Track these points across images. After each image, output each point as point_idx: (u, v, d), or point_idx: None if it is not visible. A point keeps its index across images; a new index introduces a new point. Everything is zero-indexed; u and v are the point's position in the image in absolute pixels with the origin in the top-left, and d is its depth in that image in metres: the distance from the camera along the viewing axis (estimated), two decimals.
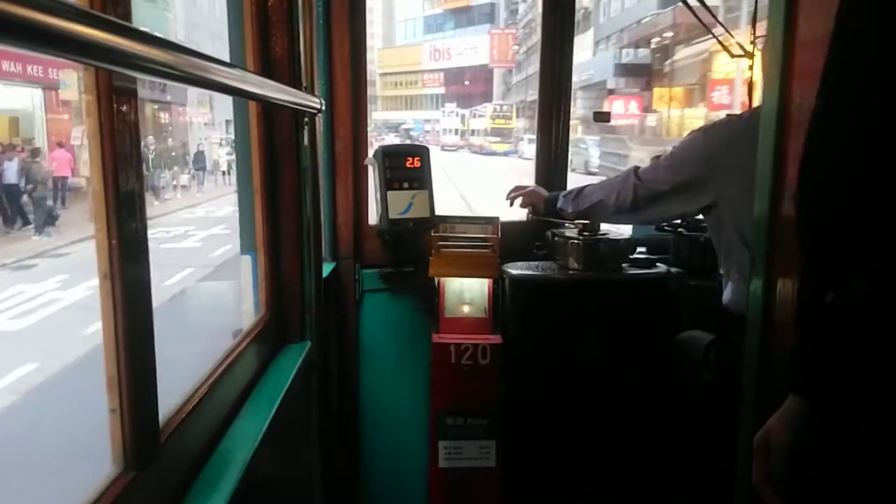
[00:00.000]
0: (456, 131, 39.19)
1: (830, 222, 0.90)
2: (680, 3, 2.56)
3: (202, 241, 10.84)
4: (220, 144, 19.76)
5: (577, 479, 2.08)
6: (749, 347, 1.20)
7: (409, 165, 2.03)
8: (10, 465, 3.60)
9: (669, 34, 21.19)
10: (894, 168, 0.84)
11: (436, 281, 2.07)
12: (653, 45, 24.96)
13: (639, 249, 2.20)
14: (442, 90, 51.99)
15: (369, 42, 2.30)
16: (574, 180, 2.28)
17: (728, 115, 1.93)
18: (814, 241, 0.92)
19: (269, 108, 1.50)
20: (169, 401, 0.98)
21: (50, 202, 11.43)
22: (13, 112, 13.52)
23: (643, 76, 26.01)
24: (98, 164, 0.77)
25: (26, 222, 11.05)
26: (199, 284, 8.24)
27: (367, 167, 2.08)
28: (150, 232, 0.87)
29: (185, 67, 0.75)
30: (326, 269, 1.92)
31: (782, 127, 1.11)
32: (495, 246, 2.04)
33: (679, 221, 2.11)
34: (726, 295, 1.72)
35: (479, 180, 18.42)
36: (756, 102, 2.09)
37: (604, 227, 2.10)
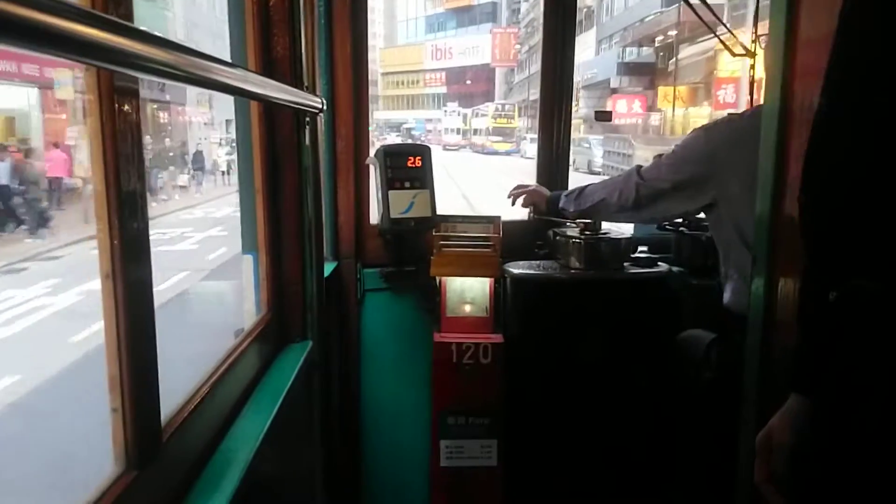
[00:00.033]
0: (458, 131, 39.14)
1: (834, 219, 0.89)
2: (682, 2, 2.55)
3: (199, 244, 10.62)
4: (220, 144, 19.71)
5: (579, 478, 2.08)
6: (750, 346, 1.20)
7: (410, 165, 2.03)
8: None
9: (673, 32, 21.11)
10: None
11: (437, 280, 2.07)
12: (657, 44, 24.89)
13: (640, 248, 2.20)
14: (444, 89, 51.94)
15: (371, 41, 2.31)
16: (577, 180, 2.28)
17: (730, 113, 1.93)
18: (817, 239, 0.92)
19: (270, 108, 1.50)
20: (170, 400, 0.98)
21: (45, 203, 11.19)
22: (9, 112, 13.30)
23: (647, 75, 25.95)
24: (100, 164, 0.77)
25: (19, 224, 10.75)
26: (199, 284, 8.14)
27: (368, 167, 2.09)
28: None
29: (186, 67, 0.75)
30: (328, 268, 1.92)
31: (784, 125, 1.11)
32: (497, 245, 2.04)
33: (680, 220, 2.11)
34: (726, 295, 1.72)
35: (481, 180, 18.40)
36: (760, 101, 2.09)
37: (605, 226, 2.10)
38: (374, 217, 2.12)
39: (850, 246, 0.89)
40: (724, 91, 17.70)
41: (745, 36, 2.43)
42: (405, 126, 42.88)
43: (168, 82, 0.82)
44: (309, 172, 1.56)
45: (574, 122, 2.35)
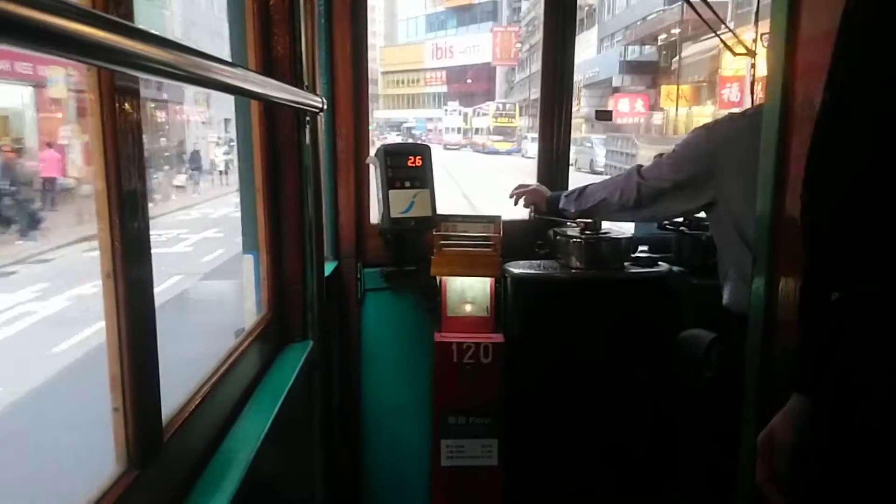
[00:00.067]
0: (458, 130, 39.11)
1: (836, 218, 0.89)
2: (684, 1, 2.55)
3: (194, 246, 10.40)
4: (217, 143, 19.61)
5: (579, 478, 2.08)
6: (751, 346, 1.20)
7: (410, 164, 2.03)
8: None
9: (676, 30, 21.04)
10: None
11: (438, 280, 2.07)
12: (659, 42, 24.83)
13: (640, 248, 2.20)
14: (444, 88, 51.91)
15: (371, 40, 2.31)
16: (579, 179, 2.28)
17: (731, 112, 1.93)
18: (819, 238, 0.91)
19: (270, 107, 1.50)
20: (171, 400, 0.98)
21: (37, 204, 10.87)
22: (2, 111, 12.99)
23: (649, 73, 25.88)
24: (100, 163, 0.77)
25: (9, 226, 10.32)
26: (200, 284, 8.07)
27: (368, 166, 2.09)
28: None
29: (187, 67, 0.75)
30: (328, 268, 1.92)
31: (785, 124, 1.11)
32: (497, 245, 2.04)
33: (681, 220, 2.11)
34: (725, 295, 1.72)
35: (482, 179, 18.38)
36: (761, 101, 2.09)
37: (605, 225, 2.10)
38: (375, 216, 2.12)
39: (851, 245, 0.89)
40: (728, 90, 17.58)
41: (748, 34, 2.42)
42: (406, 125, 42.87)
43: (169, 82, 0.82)
44: (309, 172, 1.56)
45: (576, 121, 2.36)
